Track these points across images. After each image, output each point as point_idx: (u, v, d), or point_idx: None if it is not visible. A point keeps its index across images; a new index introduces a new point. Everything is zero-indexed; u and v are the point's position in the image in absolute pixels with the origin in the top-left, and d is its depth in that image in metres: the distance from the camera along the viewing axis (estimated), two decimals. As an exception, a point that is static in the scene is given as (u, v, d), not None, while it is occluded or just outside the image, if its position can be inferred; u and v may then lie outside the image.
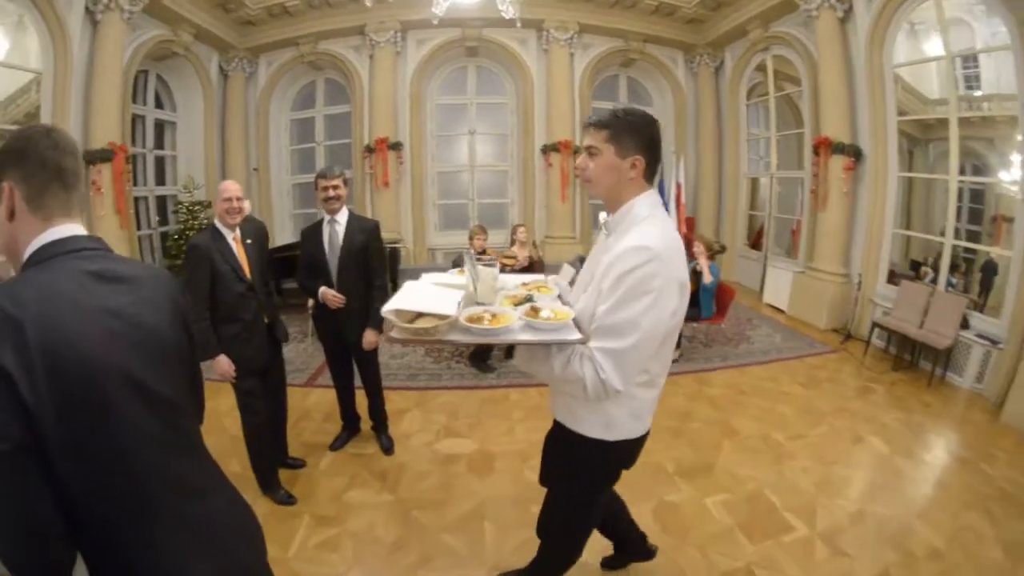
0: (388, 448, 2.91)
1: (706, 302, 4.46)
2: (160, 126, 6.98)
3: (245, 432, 2.41)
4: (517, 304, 1.29)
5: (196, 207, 6.61)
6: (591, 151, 1.29)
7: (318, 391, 3.71)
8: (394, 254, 5.81)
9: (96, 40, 5.21)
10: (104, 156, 5.20)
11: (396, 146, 7.17)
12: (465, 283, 1.36)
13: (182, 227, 6.50)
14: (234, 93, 7.46)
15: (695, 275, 4.36)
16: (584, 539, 1.61)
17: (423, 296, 1.29)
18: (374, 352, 2.76)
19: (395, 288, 5.58)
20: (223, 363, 2.27)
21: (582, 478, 1.47)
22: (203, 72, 6.96)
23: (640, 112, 1.30)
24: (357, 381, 2.88)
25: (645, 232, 1.21)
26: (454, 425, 3.26)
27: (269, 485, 2.49)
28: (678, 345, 4.30)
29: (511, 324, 1.17)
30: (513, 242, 4.83)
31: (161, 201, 6.97)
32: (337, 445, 2.95)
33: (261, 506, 2.41)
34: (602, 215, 1.41)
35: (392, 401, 3.20)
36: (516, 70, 7.46)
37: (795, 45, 6.00)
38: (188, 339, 0.96)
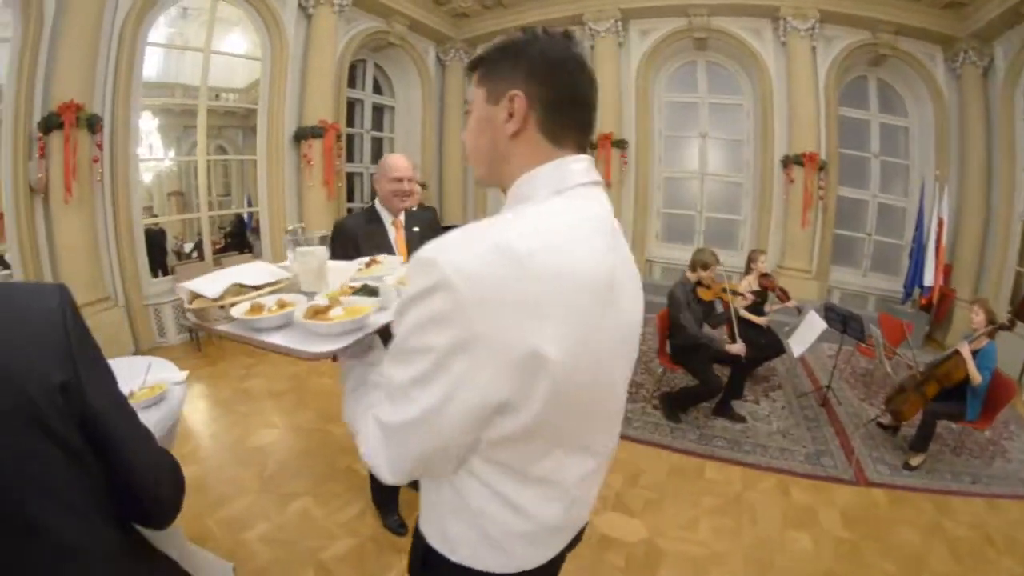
0: None
1: (974, 400, 3.30)
2: (379, 110, 7.61)
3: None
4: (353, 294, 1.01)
5: None
6: (467, 111, 0.82)
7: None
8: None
9: (310, 31, 5.78)
10: (315, 132, 5.73)
11: (620, 144, 6.73)
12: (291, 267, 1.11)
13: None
14: (452, 82, 7.82)
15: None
16: None
17: (226, 274, 1.03)
18: None
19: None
20: None
21: None
22: (420, 62, 7.42)
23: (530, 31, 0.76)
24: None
25: (474, 232, 0.66)
26: (628, 495, 2.74)
27: (383, 503, 2.29)
28: (922, 448, 3.29)
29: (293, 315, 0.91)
30: (750, 270, 4.13)
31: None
32: None
33: (365, 526, 2.25)
34: None
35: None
36: (751, 66, 6.47)
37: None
38: None
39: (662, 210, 7.28)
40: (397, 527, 2.27)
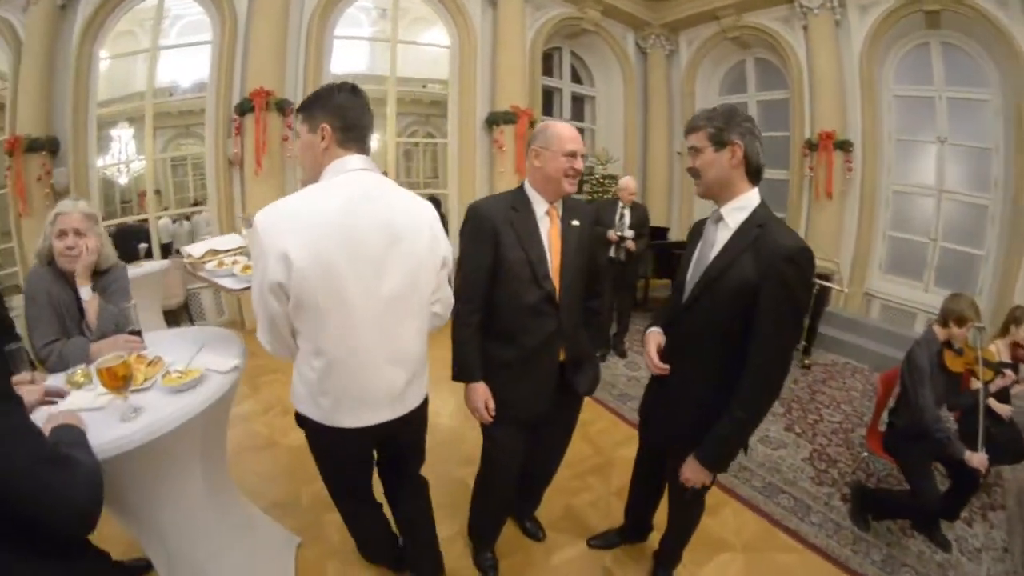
0: None
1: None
2: (579, 100, 7.35)
3: (477, 480, 1.91)
4: None
5: (607, 180, 6.59)
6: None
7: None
8: (823, 291, 4.49)
9: (497, 20, 5.77)
10: (507, 118, 5.70)
11: (844, 145, 5.45)
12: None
13: (588, 197, 6.64)
14: (655, 71, 7.20)
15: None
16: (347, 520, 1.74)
17: (208, 242, 1.85)
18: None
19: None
20: (478, 393, 1.61)
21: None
22: (619, 49, 6.93)
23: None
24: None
25: (282, 199, 1.24)
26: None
27: (479, 537, 1.98)
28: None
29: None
30: (1006, 331, 2.80)
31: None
32: (596, 543, 2.14)
33: (449, 550, 1.93)
34: None
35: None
36: (998, 47, 4.51)
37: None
38: None
39: (889, 232, 5.60)
40: (487, 567, 1.93)
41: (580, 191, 6.50)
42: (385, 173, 1.40)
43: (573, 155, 1.50)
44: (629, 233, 4.04)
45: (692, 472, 1.42)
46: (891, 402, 2.63)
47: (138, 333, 1.61)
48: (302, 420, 1.40)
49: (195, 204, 6.20)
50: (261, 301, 1.22)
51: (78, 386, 1.40)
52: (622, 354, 4.40)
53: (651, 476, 1.85)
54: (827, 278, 4.56)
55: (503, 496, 1.88)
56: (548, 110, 6.81)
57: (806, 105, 5.72)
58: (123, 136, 5.86)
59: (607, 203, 4.26)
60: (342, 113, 1.27)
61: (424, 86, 6.55)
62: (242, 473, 2.57)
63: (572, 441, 1.97)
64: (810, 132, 5.63)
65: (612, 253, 4.07)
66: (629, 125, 7.13)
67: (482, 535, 1.98)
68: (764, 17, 6.00)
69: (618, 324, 4.45)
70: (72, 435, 1.00)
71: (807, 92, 5.71)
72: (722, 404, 1.33)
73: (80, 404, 1.28)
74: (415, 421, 1.51)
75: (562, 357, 1.65)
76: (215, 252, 1.59)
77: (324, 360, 1.27)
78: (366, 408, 1.35)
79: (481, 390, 1.62)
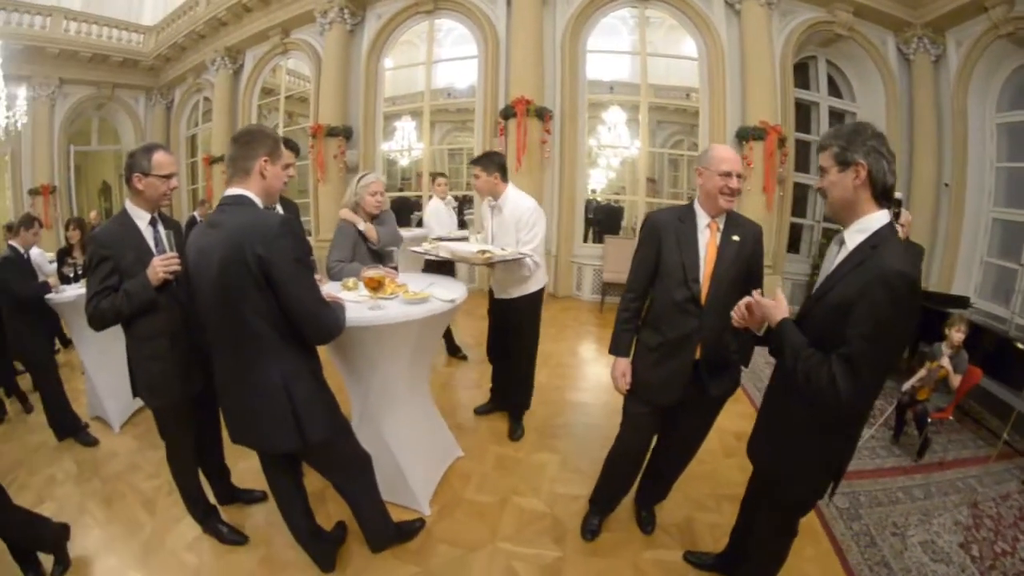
0: None
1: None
2: (839, 116, 6.66)
3: (608, 454, 2.13)
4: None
5: None
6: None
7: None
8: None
9: (741, 27, 5.56)
10: (756, 134, 5.52)
11: None
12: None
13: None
14: (920, 85, 6.09)
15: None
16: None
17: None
18: None
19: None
20: (620, 367, 1.89)
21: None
22: (877, 56, 6.07)
23: None
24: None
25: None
26: None
27: (595, 503, 2.21)
28: None
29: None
30: None
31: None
32: (692, 559, 2.10)
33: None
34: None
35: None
36: None
37: None
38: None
39: None
40: (589, 530, 2.15)
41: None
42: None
43: (728, 175, 1.65)
44: None
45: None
46: None
47: (395, 268, 2.39)
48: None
49: (468, 188, 7.49)
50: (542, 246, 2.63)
51: (348, 289, 2.16)
52: None
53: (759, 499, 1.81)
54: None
55: (625, 472, 2.10)
56: (805, 126, 6.31)
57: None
58: (405, 127, 7.57)
59: None
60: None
61: (688, 96, 6.57)
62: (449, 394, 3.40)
63: (724, 465, 2.19)
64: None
65: None
66: (892, 148, 5.97)
67: (597, 501, 2.22)
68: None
69: None
70: (336, 305, 1.67)
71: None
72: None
73: (347, 297, 1.98)
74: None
75: (698, 355, 1.79)
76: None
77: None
78: None
79: (623, 364, 1.91)
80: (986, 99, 5.75)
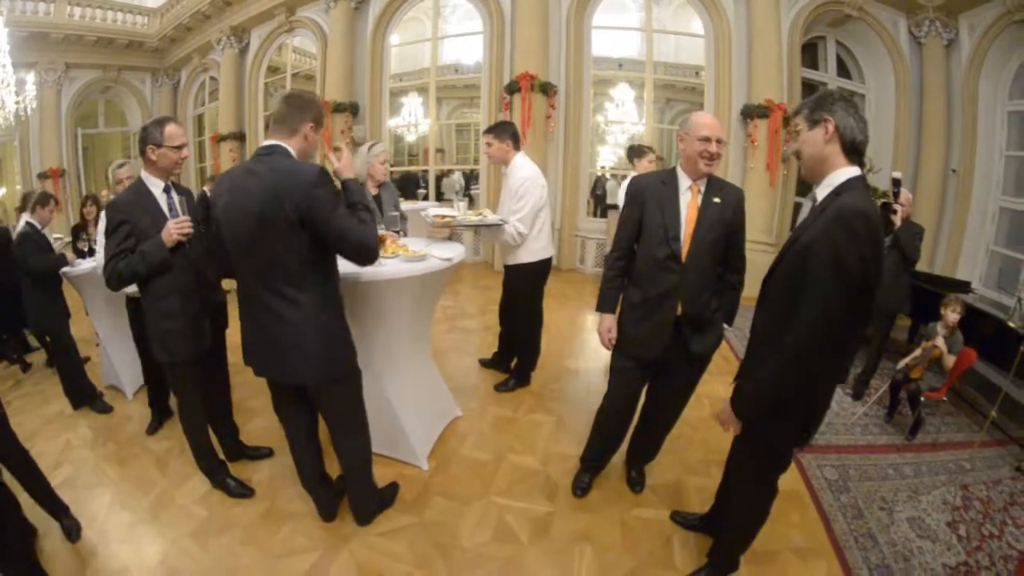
0: None
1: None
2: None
3: (597, 411, 2.21)
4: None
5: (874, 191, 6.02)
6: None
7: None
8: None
9: (749, 6, 5.53)
10: (761, 112, 5.52)
11: None
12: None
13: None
14: (931, 68, 5.98)
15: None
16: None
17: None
18: None
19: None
20: (606, 322, 2.02)
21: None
22: (887, 38, 5.97)
23: None
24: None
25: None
26: None
27: (586, 460, 2.28)
28: None
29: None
30: None
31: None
32: (678, 519, 2.14)
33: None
34: None
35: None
36: None
37: None
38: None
39: None
40: (580, 487, 2.25)
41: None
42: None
43: (707, 140, 1.73)
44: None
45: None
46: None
47: (398, 232, 2.49)
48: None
49: (476, 163, 7.59)
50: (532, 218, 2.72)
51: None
52: (858, 395, 3.55)
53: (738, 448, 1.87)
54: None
55: (614, 427, 2.18)
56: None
57: None
58: (412, 103, 7.60)
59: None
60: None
61: (697, 74, 6.54)
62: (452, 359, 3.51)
63: (716, 432, 2.29)
64: None
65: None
66: (901, 132, 6.14)
67: (588, 459, 2.29)
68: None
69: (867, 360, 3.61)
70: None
71: None
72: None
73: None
74: None
75: (679, 311, 1.86)
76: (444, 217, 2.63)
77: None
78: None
79: (608, 320, 2.01)
80: (998, 86, 5.65)
